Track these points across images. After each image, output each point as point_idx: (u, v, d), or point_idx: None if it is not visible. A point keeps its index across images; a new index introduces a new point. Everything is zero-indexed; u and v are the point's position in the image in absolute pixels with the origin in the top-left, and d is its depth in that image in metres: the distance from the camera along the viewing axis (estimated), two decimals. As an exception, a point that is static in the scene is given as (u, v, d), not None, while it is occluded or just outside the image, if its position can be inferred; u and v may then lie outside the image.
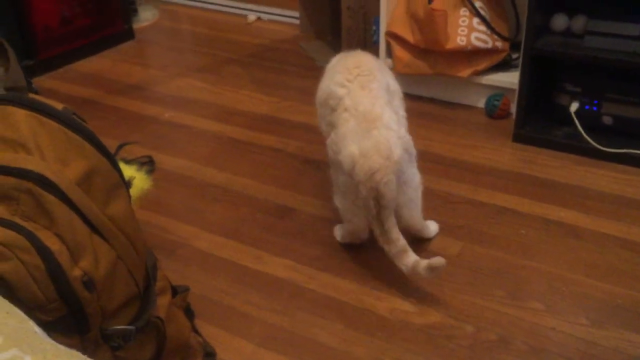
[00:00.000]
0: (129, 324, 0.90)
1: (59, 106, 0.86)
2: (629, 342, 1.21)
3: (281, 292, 1.35)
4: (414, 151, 1.37)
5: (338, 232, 1.50)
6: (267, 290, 1.36)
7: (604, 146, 1.75)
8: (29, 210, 0.79)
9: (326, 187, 1.59)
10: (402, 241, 1.30)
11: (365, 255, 1.45)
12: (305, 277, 1.39)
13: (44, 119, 0.84)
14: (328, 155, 1.39)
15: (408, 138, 1.35)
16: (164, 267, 1.07)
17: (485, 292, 1.34)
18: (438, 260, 1.26)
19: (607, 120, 1.79)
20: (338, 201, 1.41)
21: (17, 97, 0.85)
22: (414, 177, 1.37)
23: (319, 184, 1.70)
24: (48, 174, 0.80)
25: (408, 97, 2.11)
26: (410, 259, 1.29)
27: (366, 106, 1.30)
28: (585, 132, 1.78)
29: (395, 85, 1.44)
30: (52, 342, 0.47)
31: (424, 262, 1.27)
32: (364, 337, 1.24)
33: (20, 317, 0.51)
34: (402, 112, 1.40)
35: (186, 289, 1.14)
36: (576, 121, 1.80)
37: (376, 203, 1.27)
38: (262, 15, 2.99)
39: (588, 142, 1.77)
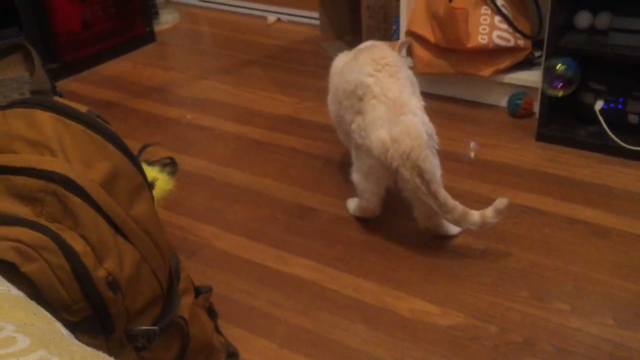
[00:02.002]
0: (153, 324, 0.90)
1: (83, 109, 0.87)
2: (657, 344, 1.19)
3: (303, 293, 1.35)
4: (436, 139, 1.40)
5: (351, 205, 1.56)
6: (289, 291, 1.36)
7: (629, 145, 1.72)
8: (54, 212, 0.80)
9: (347, 187, 1.58)
10: (460, 205, 1.35)
11: (386, 254, 1.44)
12: (327, 277, 1.39)
13: (69, 122, 0.84)
14: (353, 139, 1.43)
15: (431, 125, 1.39)
16: (186, 267, 1.07)
17: (509, 293, 1.32)
18: (501, 202, 1.34)
19: (632, 118, 1.76)
20: (357, 179, 1.47)
21: (42, 100, 0.86)
22: (437, 168, 1.40)
23: (339, 184, 1.69)
24: (72, 175, 0.81)
25: (429, 96, 2.10)
26: (475, 217, 1.35)
27: (395, 93, 1.36)
28: (610, 130, 1.75)
29: (414, 77, 1.49)
30: (79, 343, 0.48)
31: (489, 211, 1.34)
32: (386, 338, 1.23)
33: (47, 318, 0.51)
34: (422, 103, 1.44)
35: (209, 289, 1.14)
36: (601, 120, 1.77)
37: (422, 180, 1.32)
38: (282, 16, 3.00)
39: (613, 141, 1.74)
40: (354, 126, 1.42)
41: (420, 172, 1.32)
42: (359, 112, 1.40)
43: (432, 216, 1.44)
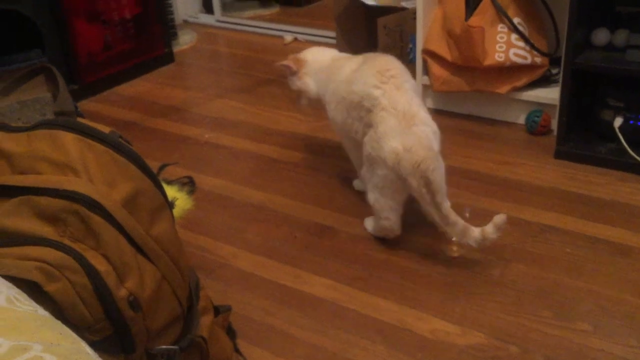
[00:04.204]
0: (173, 344, 0.90)
1: (106, 130, 0.88)
2: (683, 365, 1.16)
3: (322, 312, 1.35)
4: (438, 133, 1.45)
5: (369, 224, 1.56)
6: (308, 310, 1.36)
7: (650, 162, 1.70)
8: (76, 232, 0.81)
9: (365, 205, 1.58)
10: (461, 220, 1.36)
11: (405, 274, 1.44)
12: (346, 297, 1.38)
13: (92, 142, 0.86)
14: (365, 153, 1.45)
15: (439, 132, 1.44)
16: (205, 286, 1.08)
17: (531, 313, 1.31)
18: (499, 218, 1.35)
19: (652, 135, 1.75)
20: (373, 199, 1.47)
21: (66, 122, 0.87)
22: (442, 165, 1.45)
23: (357, 203, 1.69)
24: (95, 196, 0.82)
25: (446, 114, 2.11)
26: (475, 232, 1.36)
27: (404, 105, 1.40)
28: (630, 147, 1.74)
29: (416, 86, 1.54)
30: (104, 363, 0.48)
31: (489, 228, 1.35)
32: (406, 358, 1.22)
33: (73, 338, 0.52)
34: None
35: (228, 309, 1.14)
36: (620, 136, 1.76)
37: (428, 190, 1.35)
38: (299, 36, 3.02)
39: (633, 158, 1.73)
40: (366, 139, 1.44)
41: (428, 183, 1.34)
42: (369, 125, 1.42)
43: None
